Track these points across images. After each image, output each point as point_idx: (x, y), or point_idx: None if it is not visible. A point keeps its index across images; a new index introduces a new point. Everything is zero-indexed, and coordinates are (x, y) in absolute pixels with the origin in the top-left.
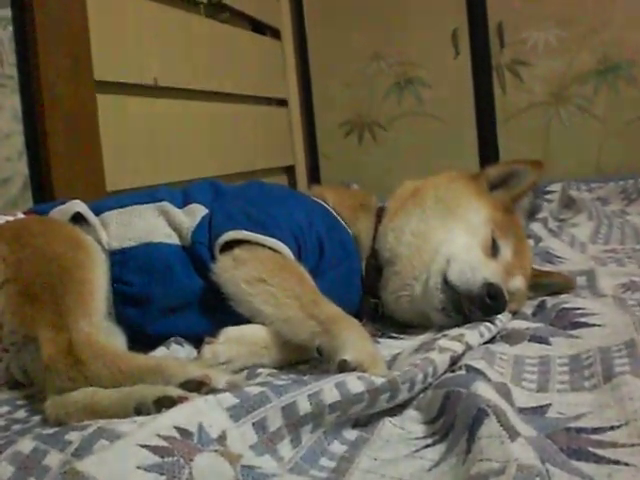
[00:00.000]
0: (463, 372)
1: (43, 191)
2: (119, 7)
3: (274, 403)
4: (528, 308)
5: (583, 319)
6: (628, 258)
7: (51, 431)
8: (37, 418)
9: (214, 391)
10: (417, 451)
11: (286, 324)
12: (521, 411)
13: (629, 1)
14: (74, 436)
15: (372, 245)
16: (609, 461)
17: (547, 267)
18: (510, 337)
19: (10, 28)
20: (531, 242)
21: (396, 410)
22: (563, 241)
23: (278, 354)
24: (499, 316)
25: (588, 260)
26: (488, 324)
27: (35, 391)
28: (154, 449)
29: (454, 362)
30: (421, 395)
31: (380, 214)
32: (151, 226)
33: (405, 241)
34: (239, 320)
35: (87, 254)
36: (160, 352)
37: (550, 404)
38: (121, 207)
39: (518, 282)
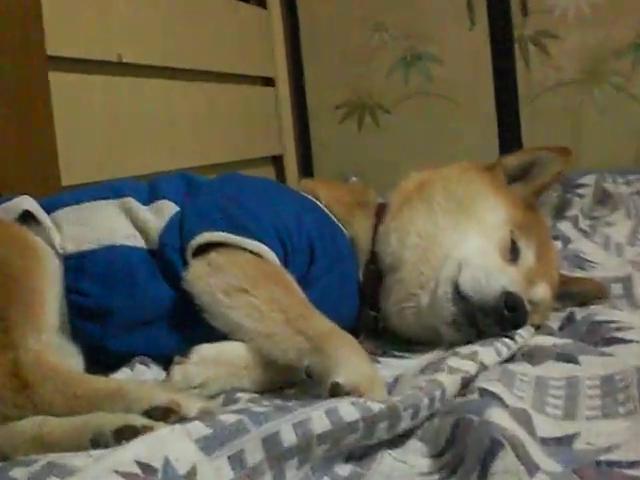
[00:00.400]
0: (476, 396)
1: None
2: None
3: (253, 433)
4: (554, 321)
5: (618, 334)
6: None
7: None
8: None
9: (184, 420)
10: None
11: (270, 341)
12: (544, 442)
13: None
14: (19, 473)
15: (371, 248)
16: None
17: (577, 273)
18: (532, 355)
19: None
20: (558, 244)
21: (397, 441)
22: (596, 243)
23: (260, 376)
24: (519, 331)
25: (625, 265)
26: (506, 340)
27: None
28: None
29: (466, 385)
30: (426, 424)
31: (381, 212)
32: (112, 226)
33: (410, 243)
34: (215, 336)
35: (37, 259)
36: (122, 374)
37: (578, 433)
38: (77, 204)
39: (542, 291)
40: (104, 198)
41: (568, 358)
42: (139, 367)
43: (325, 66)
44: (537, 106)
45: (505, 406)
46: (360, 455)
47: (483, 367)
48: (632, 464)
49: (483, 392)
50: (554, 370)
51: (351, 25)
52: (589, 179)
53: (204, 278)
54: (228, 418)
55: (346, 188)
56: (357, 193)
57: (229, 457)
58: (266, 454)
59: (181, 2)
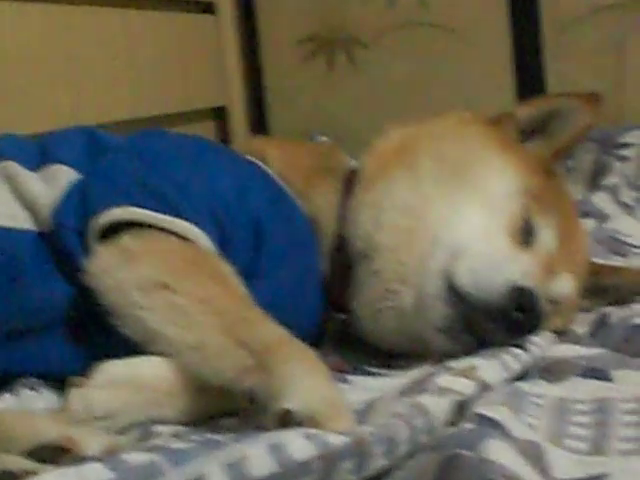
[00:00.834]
0: (471, 425)
1: None
2: None
3: (170, 478)
4: (582, 325)
5: None
6: None
7: None
8: None
9: (80, 461)
10: None
11: (200, 355)
12: None
13: None
14: None
15: (338, 231)
16: None
17: (614, 261)
18: (552, 370)
19: None
20: (590, 222)
21: None
22: None
23: (188, 403)
24: (534, 338)
25: None
26: (517, 351)
27: None
28: None
29: (461, 410)
30: (408, 462)
31: (351, 182)
32: None
33: (387, 223)
34: (127, 349)
35: None
36: (3, 401)
37: (607, 474)
38: None
39: (565, 284)
40: None
41: (599, 374)
42: (25, 392)
43: None
44: (566, 41)
45: (509, 437)
46: None
47: (484, 386)
48: None
49: (481, 419)
50: (580, 390)
51: None
52: (635, 136)
53: (113, 270)
54: (136, 458)
55: (306, 150)
56: (320, 156)
57: None
58: None
59: None
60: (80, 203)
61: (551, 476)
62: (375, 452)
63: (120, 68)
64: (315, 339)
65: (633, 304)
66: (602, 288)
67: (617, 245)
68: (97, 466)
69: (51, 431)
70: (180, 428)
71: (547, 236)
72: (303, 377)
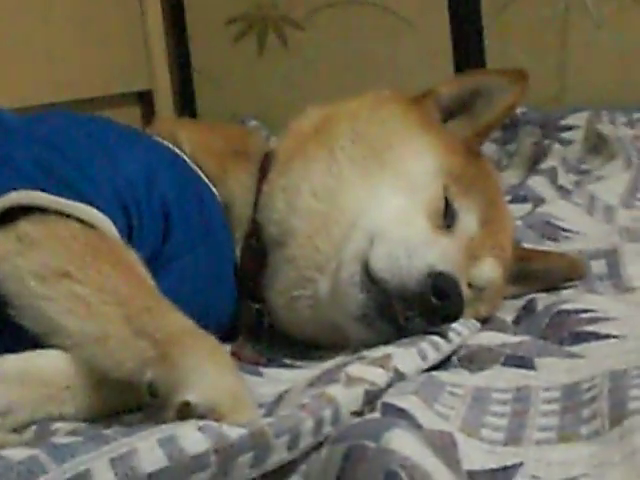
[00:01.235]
0: (378, 415)
1: None
2: None
3: (53, 475)
4: (508, 312)
5: (591, 327)
6: None
7: None
8: None
9: None
10: None
11: (101, 347)
12: (471, 476)
13: None
14: None
15: (253, 216)
16: None
17: (546, 245)
18: (473, 359)
19: None
20: (527, 207)
21: None
22: (577, 204)
23: (89, 398)
24: (455, 325)
25: (612, 234)
26: (436, 339)
27: None
28: None
29: (371, 401)
30: (313, 455)
31: (266, 164)
32: None
33: (302, 207)
34: (25, 342)
35: None
36: None
37: (521, 463)
38: None
39: (488, 269)
40: None
41: (521, 362)
42: None
43: None
44: (507, 18)
45: (417, 428)
46: None
47: (399, 376)
48: None
49: (389, 409)
50: (500, 379)
51: None
52: (578, 119)
53: (11, 258)
54: (17, 454)
55: (220, 132)
56: (235, 139)
57: None
58: None
59: None
60: None
61: (461, 468)
62: (276, 444)
63: (36, 49)
64: (228, 329)
65: (562, 290)
66: (531, 274)
67: (550, 229)
68: None
69: None
70: (81, 425)
71: (468, 219)
72: (205, 369)
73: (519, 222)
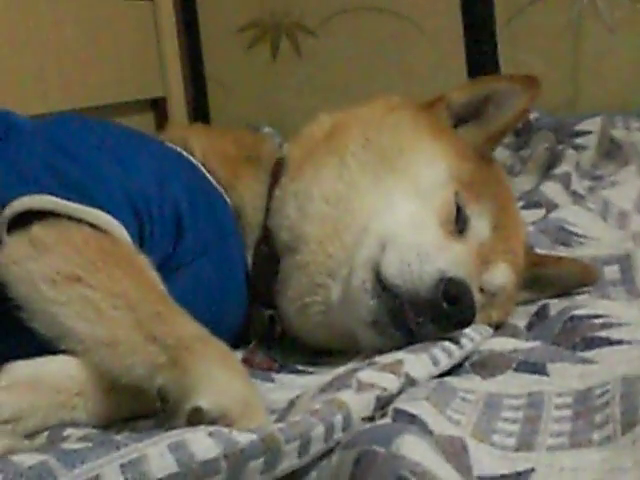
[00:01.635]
0: (389, 421)
1: None
2: None
3: None
4: (521, 318)
5: (603, 333)
6: None
7: None
8: None
9: None
10: None
11: (112, 352)
12: None
13: None
14: None
15: (264, 222)
16: None
17: (559, 251)
18: (485, 365)
19: None
20: (540, 213)
21: None
22: (590, 210)
23: (100, 404)
24: (467, 331)
25: (626, 240)
26: (448, 345)
27: None
28: None
29: (383, 407)
30: (324, 461)
31: (278, 171)
32: None
33: (314, 213)
34: (37, 346)
35: None
36: None
37: (533, 469)
38: None
39: (500, 274)
40: None
41: (533, 368)
42: None
43: None
44: (520, 25)
45: (428, 433)
46: None
47: (410, 382)
48: None
49: (400, 415)
50: (513, 384)
51: None
52: (592, 124)
53: (23, 262)
54: (27, 459)
55: (231, 138)
56: (245, 144)
57: None
58: None
59: None
60: None
61: (472, 473)
62: (287, 450)
63: (49, 57)
64: (240, 335)
65: (575, 295)
66: (543, 279)
67: (563, 235)
68: None
69: None
70: (92, 431)
71: (480, 225)
72: (216, 374)
73: (532, 227)
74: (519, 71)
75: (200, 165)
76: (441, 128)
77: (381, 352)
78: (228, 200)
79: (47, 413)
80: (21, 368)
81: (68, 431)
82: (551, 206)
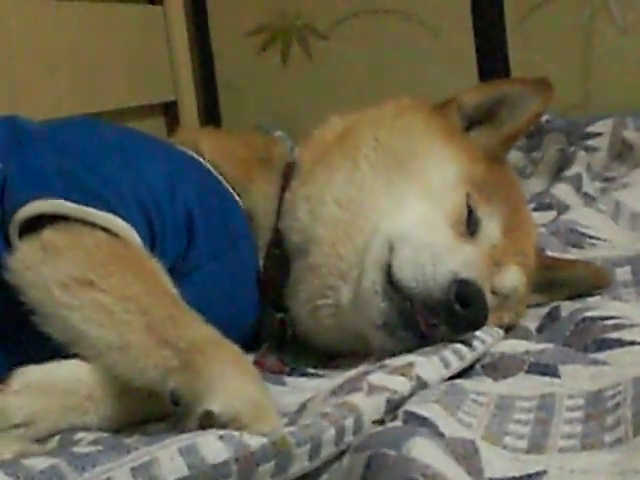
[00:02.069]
0: (399, 424)
1: None
2: None
3: None
4: (532, 320)
5: (615, 334)
6: None
7: None
8: None
9: None
10: None
11: (123, 356)
12: None
13: None
14: None
15: (275, 225)
16: None
17: (570, 253)
18: (497, 367)
19: None
20: (552, 214)
21: None
22: (602, 211)
23: (112, 408)
24: (478, 333)
25: (637, 241)
26: (459, 347)
27: None
28: None
29: (394, 409)
30: (335, 464)
31: (289, 173)
32: None
33: (325, 216)
34: (49, 350)
35: None
36: None
37: (544, 471)
38: None
39: (512, 276)
40: None
41: (545, 369)
42: None
43: None
44: (530, 26)
45: (438, 436)
46: None
47: (421, 384)
48: None
49: (411, 417)
50: (524, 387)
51: None
52: (603, 126)
53: (35, 266)
54: (38, 463)
55: (242, 141)
56: (256, 147)
57: None
58: None
59: None
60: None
61: (483, 475)
62: (297, 453)
63: (61, 62)
64: (251, 338)
65: (586, 297)
66: (555, 282)
67: (574, 237)
68: None
69: None
70: (103, 435)
71: (491, 227)
72: (228, 378)
73: (543, 229)
74: (530, 73)
75: (211, 168)
76: (452, 130)
77: (392, 355)
78: (240, 203)
79: (58, 417)
80: (33, 372)
81: (79, 435)
82: (562, 208)
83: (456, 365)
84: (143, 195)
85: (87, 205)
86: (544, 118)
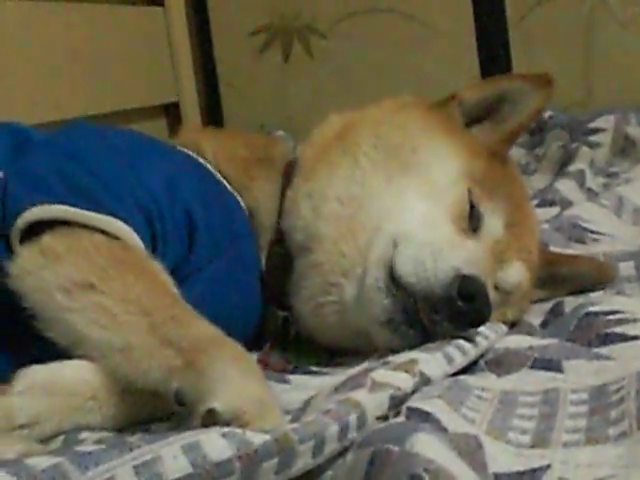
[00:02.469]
0: (403, 419)
1: None
2: None
3: None
4: (536, 316)
5: (618, 329)
6: None
7: None
8: None
9: None
10: None
11: (126, 357)
12: (498, 479)
13: None
14: None
15: (277, 223)
16: None
17: (573, 248)
18: (500, 362)
19: None
20: (555, 210)
21: None
22: (605, 206)
23: (115, 408)
24: (482, 329)
25: None
26: (462, 343)
27: None
28: None
29: (397, 405)
30: (339, 461)
31: (291, 172)
32: None
33: (327, 213)
34: (51, 352)
35: None
36: None
37: (548, 466)
38: None
39: (515, 273)
40: None
41: (549, 365)
42: None
43: None
44: (531, 24)
45: (442, 431)
46: None
47: (424, 380)
48: None
49: (414, 413)
50: (528, 382)
51: None
52: (606, 121)
53: (36, 271)
54: (41, 462)
55: (243, 140)
56: (257, 146)
57: None
58: None
59: None
60: (1, 202)
61: (487, 470)
62: (301, 450)
63: (63, 64)
64: (255, 337)
65: (590, 292)
66: (559, 278)
67: (577, 232)
68: None
69: None
70: (108, 435)
71: (494, 222)
72: (231, 376)
73: (546, 225)
74: (531, 70)
75: (212, 168)
76: (453, 126)
77: (395, 351)
78: (241, 202)
79: (62, 417)
80: (36, 373)
81: (83, 435)
82: (565, 204)
83: (459, 361)
84: (144, 197)
85: (87, 209)
86: (547, 114)
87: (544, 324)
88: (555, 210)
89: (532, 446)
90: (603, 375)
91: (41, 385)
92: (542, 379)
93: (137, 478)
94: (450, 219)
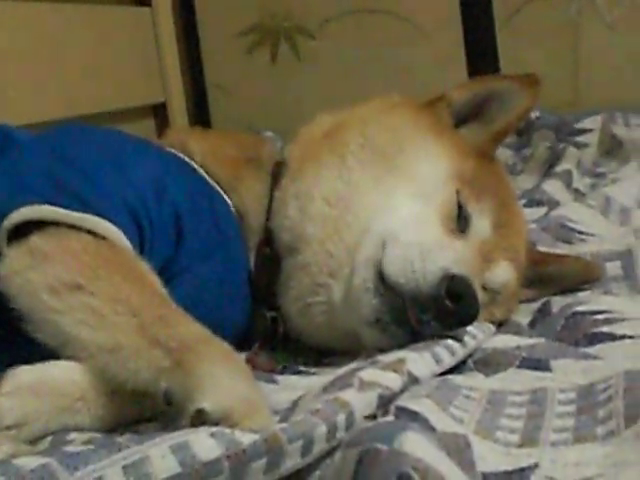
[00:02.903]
0: (390, 418)
1: None
2: None
3: None
4: (524, 315)
5: (606, 328)
6: None
7: None
8: None
9: None
10: None
11: (115, 357)
12: (486, 478)
13: None
14: None
15: (265, 224)
16: None
17: (560, 248)
18: (488, 362)
19: None
20: (542, 210)
21: None
22: (591, 207)
23: (104, 408)
24: (470, 329)
25: (627, 236)
26: (451, 342)
27: None
28: None
29: (385, 405)
30: (327, 461)
31: (278, 172)
32: None
33: (314, 213)
34: (40, 353)
35: None
36: None
37: (536, 464)
38: None
39: (502, 272)
40: None
41: (537, 364)
42: None
43: None
44: (519, 23)
45: (430, 430)
46: None
47: (412, 380)
48: None
49: (402, 412)
50: (516, 381)
51: None
52: (593, 122)
53: (23, 272)
54: (29, 462)
55: (231, 141)
56: (245, 146)
57: None
58: None
59: None
60: None
61: (476, 470)
62: (289, 450)
63: (49, 64)
64: (243, 337)
65: (577, 292)
66: (546, 277)
67: (564, 232)
68: None
69: None
70: (96, 435)
71: (482, 223)
72: (219, 375)
73: (534, 225)
74: (519, 70)
75: (200, 168)
76: (441, 127)
77: (383, 351)
78: (229, 202)
79: (50, 418)
80: (24, 374)
81: (72, 436)
82: (552, 204)
83: (448, 361)
84: (131, 198)
85: (73, 209)
86: (534, 115)
87: (532, 324)
88: (542, 210)
89: (520, 445)
90: (591, 374)
91: (29, 386)
92: (530, 378)
93: (126, 478)
94: (438, 219)
